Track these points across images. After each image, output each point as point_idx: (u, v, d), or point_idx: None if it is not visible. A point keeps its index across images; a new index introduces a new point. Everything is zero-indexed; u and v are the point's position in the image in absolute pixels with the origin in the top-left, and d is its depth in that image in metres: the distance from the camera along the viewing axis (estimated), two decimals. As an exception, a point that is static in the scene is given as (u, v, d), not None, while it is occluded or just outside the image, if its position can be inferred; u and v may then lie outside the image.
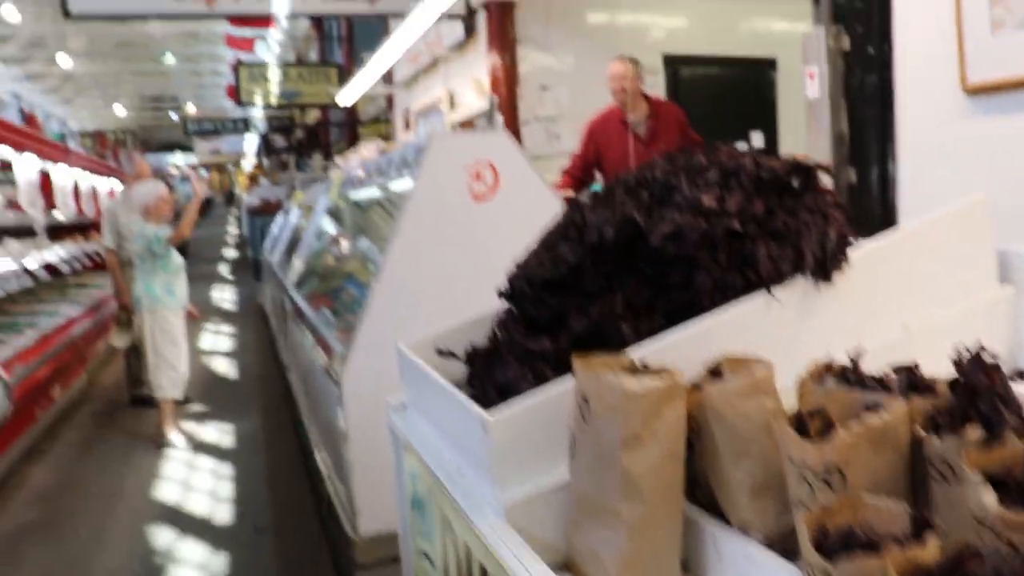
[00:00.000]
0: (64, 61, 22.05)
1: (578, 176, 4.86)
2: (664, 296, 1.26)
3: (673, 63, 7.98)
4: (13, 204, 7.17)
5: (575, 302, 1.27)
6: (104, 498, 4.62)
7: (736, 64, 8.17)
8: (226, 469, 4.94)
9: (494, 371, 1.23)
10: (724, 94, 8.05)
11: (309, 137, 22.33)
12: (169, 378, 5.30)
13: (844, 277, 1.26)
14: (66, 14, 7.54)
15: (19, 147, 7.28)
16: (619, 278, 1.28)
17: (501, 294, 1.37)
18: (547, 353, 1.18)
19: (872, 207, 3.28)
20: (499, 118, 7.26)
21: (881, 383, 0.97)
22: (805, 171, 1.33)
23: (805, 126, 3.51)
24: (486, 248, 2.79)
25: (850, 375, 1.00)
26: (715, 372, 1.07)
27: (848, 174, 3.36)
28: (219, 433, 5.37)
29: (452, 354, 1.35)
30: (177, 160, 43.10)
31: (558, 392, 1.11)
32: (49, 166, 8.37)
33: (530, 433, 1.11)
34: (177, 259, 5.37)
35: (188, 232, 5.47)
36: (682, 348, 1.16)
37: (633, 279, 1.27)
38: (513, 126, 7.45)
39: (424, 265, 2.71)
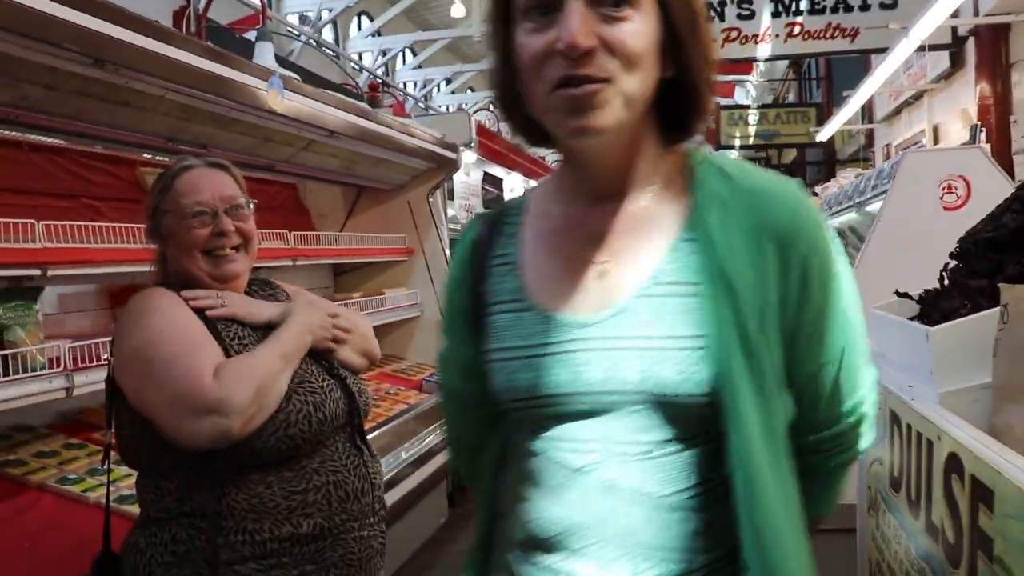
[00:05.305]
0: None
1: None
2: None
3: None
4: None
5: (1013, 259, 1.61)
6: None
7: None
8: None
9: (940, 303, 1.63)
10: None
11: (788, 175, 22.67)
12: None
13: None
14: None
15: (512, 166, 8.82)
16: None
17: (951, 255, 1.75)
18: (984, 288, 1.55)
19: None
20: (984, 144, 6.98)
21: None
22: None
23: None
24: (954, 253, 3.03)
25: None
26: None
27: None
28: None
29: (907, 295, 1.76)
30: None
31: (985, 314, 1.49)
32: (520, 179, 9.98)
33: (961, 343, 1.50)
34: None
35: None
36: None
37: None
38: (1005, 157, 7.09)
39: (893, 265, 3.04)
